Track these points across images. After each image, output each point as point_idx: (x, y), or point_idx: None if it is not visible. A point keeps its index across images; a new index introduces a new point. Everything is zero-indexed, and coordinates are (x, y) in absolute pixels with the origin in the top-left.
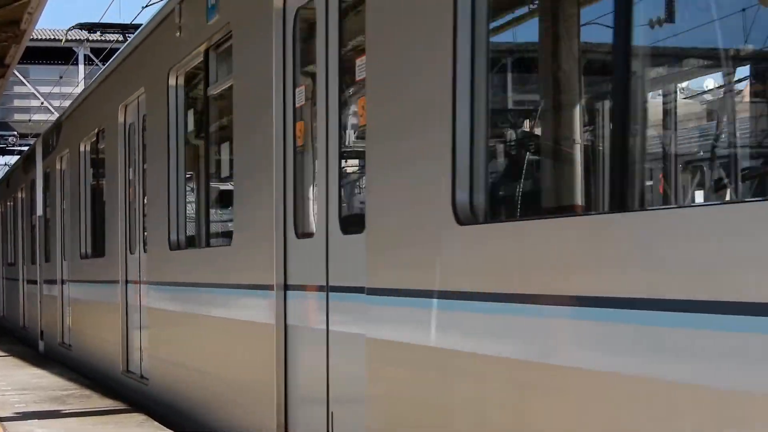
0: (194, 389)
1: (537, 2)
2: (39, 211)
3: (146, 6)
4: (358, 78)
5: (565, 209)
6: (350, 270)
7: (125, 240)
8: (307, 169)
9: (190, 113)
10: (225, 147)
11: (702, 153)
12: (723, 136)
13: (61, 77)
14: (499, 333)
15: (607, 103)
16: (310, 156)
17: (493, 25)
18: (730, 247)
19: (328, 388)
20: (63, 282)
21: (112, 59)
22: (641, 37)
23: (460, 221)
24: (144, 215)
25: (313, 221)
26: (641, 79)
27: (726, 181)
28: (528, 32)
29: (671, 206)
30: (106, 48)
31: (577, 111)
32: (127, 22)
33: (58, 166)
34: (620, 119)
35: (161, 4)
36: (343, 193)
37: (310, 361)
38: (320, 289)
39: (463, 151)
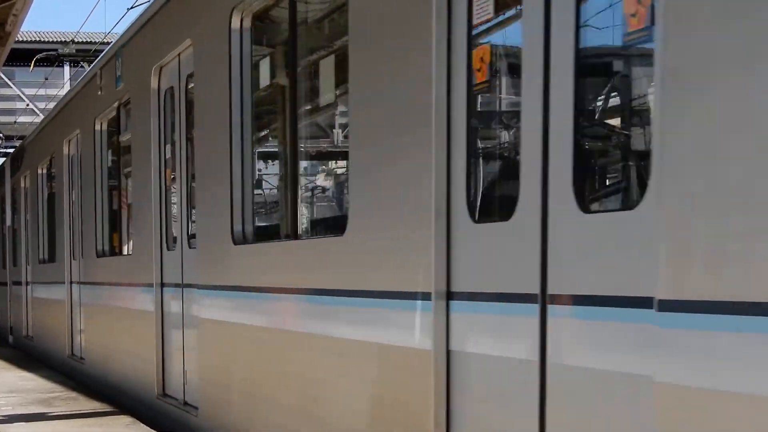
0: (113, 364)
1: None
2: (8, 221)
3: (131, 8)
4: (195, 144)
5: (278, 235)
6: (193, 272)
7: (70, 248)
8: (169, 207)
9: (109, 152)
10: (130, 181)
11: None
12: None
13: (46, 79)
14: (257, 311)
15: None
16: (172, 198)
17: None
18: (327, 258)
19: (184, 355)
20: (27, 283)
21: (57, 103)
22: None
23: (235, 242)
24: (81, 229)
25: (178, 239)
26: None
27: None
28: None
29: (312, 238)
30: (91, 49)
31: (291, 168)
32: (108, 32)
33: (22, 184)
34: (293, 172)
35: (145, 5)
36: (190, 220)
37: (175, 338)
38: (178, 286)
39: (237, 197)
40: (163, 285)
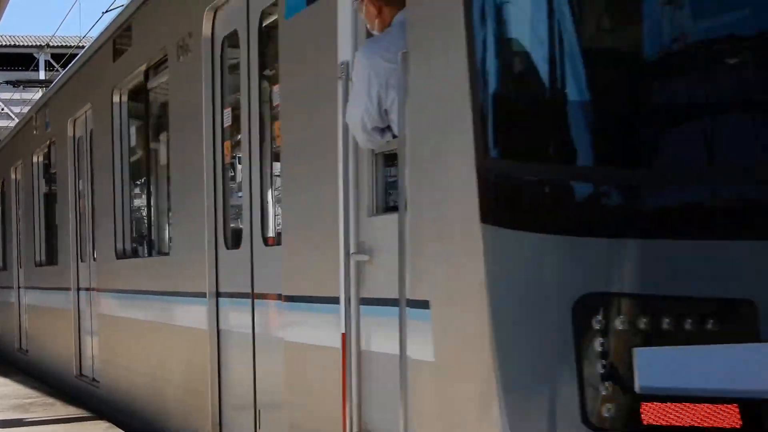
0: (47, 353)
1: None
2: None
3: (106, 11)
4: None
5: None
6: (95, 279)
7: (18, 258)
8: (83, 228)
9: (43, 181)
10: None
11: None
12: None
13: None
14: (129, 307)
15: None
16: (84, 221)
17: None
18: (162, 269)
19: (92, 343)
20: None
21: (7, 135)
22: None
23: (117, 257)
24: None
25: (86, 253)
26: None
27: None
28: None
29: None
30: (66, 54)
31: (147, 204)
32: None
33: None
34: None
35: (119, 10)
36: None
37: (86, 330)
38: (88, 289)
39: (118, 224)
40: (78, 289)
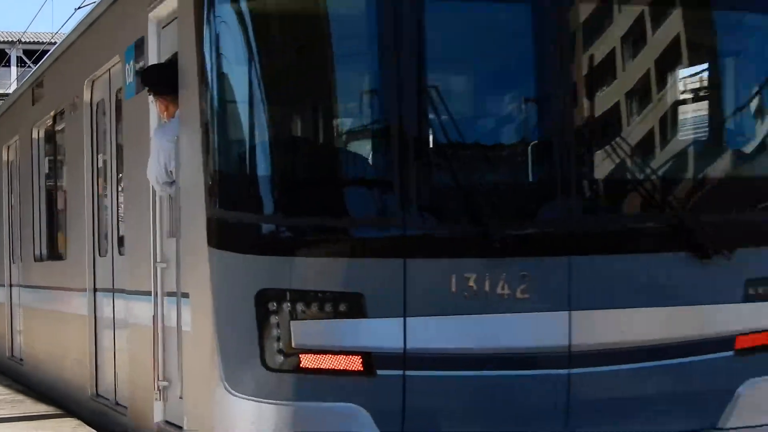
0: None
1: None
2: None
3: (79, 8)
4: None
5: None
6: (22, 277)
7: None
8: (15, 235)
9: None
10: None
11: None
12: None
13: None
14: (42, 299)
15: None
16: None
17: None
18: (62, 271)
19: (20, 330)
20: None
21: None
22: None
23: (35, 260)
24: None
25: (18, 256)
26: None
27: None
28: None
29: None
30: (38, 50)
31: (56, 219)
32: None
33: None
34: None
35: (92, 6)
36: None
37: (17, 319)
38: (19, 286)
39: (37, 234)
40: (11, 286)
